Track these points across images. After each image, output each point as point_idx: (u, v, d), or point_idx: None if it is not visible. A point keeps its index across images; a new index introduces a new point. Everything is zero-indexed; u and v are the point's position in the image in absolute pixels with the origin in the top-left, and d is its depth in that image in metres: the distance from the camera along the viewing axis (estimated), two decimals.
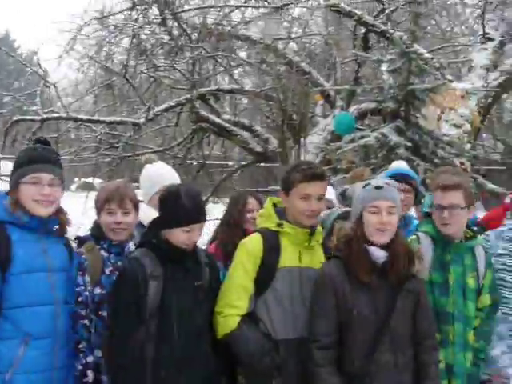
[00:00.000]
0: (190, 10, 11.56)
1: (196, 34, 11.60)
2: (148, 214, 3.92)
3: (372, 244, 3.45)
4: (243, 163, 13.44)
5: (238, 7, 11.81)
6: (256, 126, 12.21)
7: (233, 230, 4.93)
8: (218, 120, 11.89)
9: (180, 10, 11.32)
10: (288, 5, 11.12)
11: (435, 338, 3.66)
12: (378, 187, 3.54)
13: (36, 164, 3.40)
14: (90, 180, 13.27)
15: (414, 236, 4.05)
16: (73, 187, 25.32)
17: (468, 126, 9.20)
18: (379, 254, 3.45)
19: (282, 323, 3.53)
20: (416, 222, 4.81)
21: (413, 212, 5.13)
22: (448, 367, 3.84)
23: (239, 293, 3.54)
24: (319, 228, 3.74)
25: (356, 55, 10.48)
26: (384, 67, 7.91)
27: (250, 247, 3.61)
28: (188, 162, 13.04)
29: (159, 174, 4.57)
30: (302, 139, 10.95)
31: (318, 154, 10.46)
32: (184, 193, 3.53)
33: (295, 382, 3.51)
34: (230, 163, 14.98)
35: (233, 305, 3.53)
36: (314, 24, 15.01)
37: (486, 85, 9.77)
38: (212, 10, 11.86)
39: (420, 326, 3.53)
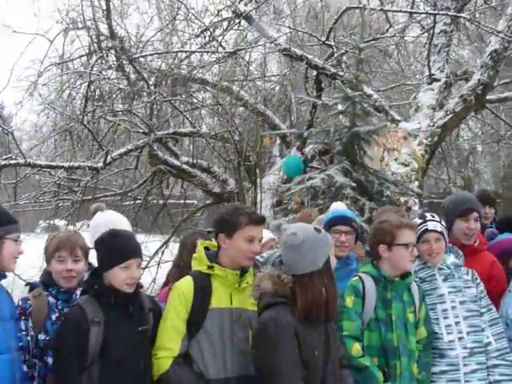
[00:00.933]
0: (146, 55, 11.81)
1: (153, 79, 11.86)
2: None
3: None
4: (203, 204, 13.68)
5: (193, 52, 12.10)
6: (214, 168, 12.47)
7: (183, 272, 4.88)
8: (176, 162, 12.12)
9: (137, 55, 11.57)
10: (241, 50, 11.47)
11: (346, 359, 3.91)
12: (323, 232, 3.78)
13: (16, 224, 3.68)
14: (54, 221, 13.34)
15: (356, 277, 4.26)
16: (38, 229, 25.16)
17: (416, 165, 9.53)
18: None
19: (213, 363, 3.67)
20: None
21: None
22: None
23: (171, 335, 3.69)
24: (250, 270, 3.91)
25: (307, 98, 10.81)
26: (340, 107, 8.15)
27: (181, 290, 3.78)
28: (149, 203, 13.25)
29: (111, 221, 4.73)
30: (258, 179, 11.21)
31: (274, 193, 10.71)
32: (117, 234, 3.77)
33: None
34: (192, 201, 15.23)
35: (165, 347, 3.68)
36: (269, 66, 15.45)
37: (432, 124, 10.15)
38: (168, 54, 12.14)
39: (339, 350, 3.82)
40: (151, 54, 11.81)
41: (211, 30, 12.21)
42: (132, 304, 3.70)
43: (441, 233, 4.59)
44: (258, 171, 11.27)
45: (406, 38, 13.14)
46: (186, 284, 3.80)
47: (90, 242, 4.38)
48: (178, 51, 11.67)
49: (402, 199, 7.86)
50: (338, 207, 5.43)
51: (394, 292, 4.23)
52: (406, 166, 9.46)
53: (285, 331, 3.49)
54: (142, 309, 3.77)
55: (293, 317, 3.54)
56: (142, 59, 11.94)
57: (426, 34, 12.69)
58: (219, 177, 12.24)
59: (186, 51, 11.92)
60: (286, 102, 13.13)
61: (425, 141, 9.90)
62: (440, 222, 4.65)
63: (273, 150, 13.21)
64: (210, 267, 3.80)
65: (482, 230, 5.91)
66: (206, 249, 3.95)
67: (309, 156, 10.88)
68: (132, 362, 3.60)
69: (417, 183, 9.36)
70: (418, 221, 4.68)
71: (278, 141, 12.86)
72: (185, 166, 12.09)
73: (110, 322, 3.58)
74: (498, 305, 4.79)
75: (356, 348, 4.04)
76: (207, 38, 12.54)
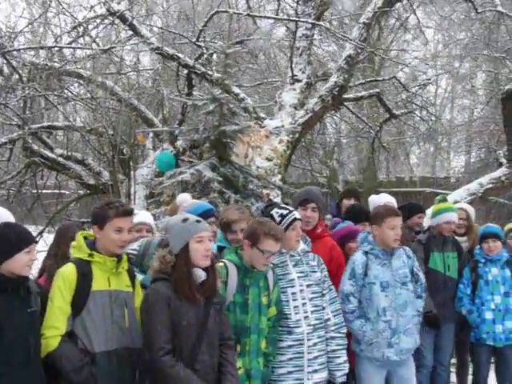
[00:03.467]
0: (20, 49, 11.85)
1: (26, 72, 11.94)
2: None
3: (194, 266, 4.23)
4: (78, 194, 13.95)
5: (67, 48, 12.30)
6: (88, 160, 12.80)
7: (62, 261, 5.09)
8: (51, 155, 12.36)
9: (11, 49, 11.59)
10: (114, 47, 11.83)
11: (232, 340, 4.53)
12: (198, 221, 4.36)
13: None
14: None
15: (221, 263, 4.83)
16: None
17: (278, 160, 10.37)
18: (201, 274, 4.23)
19: (96, 338, 4.18)
20: None
21: None
22: (247, 372, 4.71)
23: (57, 315, 4.15)
24: (125, 256, 4.48)
25: (177, 98, 11.38)
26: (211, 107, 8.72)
27: (66, 275, 4.23)
28: (23, 194, 13.35)
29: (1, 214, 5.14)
30: (132, 172, 11.68)
31: (147, 185, 11.20)
32: (14, 224, 4.28)
33: None
34: (66, 192, 15.41)
35: (53, 326, 4.13)
36: (142, 60, 15.89)
37: (293, 122, 11.00)
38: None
39: (222, 330, 4.39)
40: (25, 49, 11.88)
41: (84, 25, 12.48)
42: (23, 288, 4.11)
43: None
44: (131, 164, 11.73)
45: (271, 41, 13.93)
46: (69, 270, 4.26)
47: None
48: (52, 46, 11.85)
49: (265, 191, 8.64)
50: (185, 198, 6.10)
51: (252, 279, 4.84)
52: (269, 160, 10.27)
53: (160, 301, 4.05)
54: (30, 292, 4.18)
55: (169, 290, 4.11)
56: (15, 52, 11.98)
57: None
58: (94, 169, 12.59)
59: (60, 46, 12.11)
60: (158, 96, 13.59)
61: (287, 138, 10.74)
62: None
63: (146, 142, 13.64)
64: (90, 255, 4.31)
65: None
66: (85, 238, 4.44)
67: (180, 149, 11.48)
68: (24, 341, 4.01)
69: (279, 176, 10.20)
70: (285, 211, 5.30)
71: (151, 134, 13.32)
72: (59, 159, 12.36)
73: (5, 304, 3.98)
74: (338, 282, 5.64)
75: None
76: (80, 33, 12.79)
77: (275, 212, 5.33)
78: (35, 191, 13.44)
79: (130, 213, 4.45)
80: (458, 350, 7.87)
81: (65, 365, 4.10)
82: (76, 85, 13.35)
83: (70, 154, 12.56)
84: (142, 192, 11.35)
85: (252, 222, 5.06)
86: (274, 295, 4.99)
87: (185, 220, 4.33)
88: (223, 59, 8.46)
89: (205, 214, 5.45)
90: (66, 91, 12.82)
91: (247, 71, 16.09)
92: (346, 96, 13.41)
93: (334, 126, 22.50)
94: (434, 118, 17.14)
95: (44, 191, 13.98)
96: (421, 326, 6.39)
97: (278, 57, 16.26)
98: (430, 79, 16.12)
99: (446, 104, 35.72)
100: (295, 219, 5.24)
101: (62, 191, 14.72)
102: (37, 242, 4.27)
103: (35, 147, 12.11)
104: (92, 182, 12.48)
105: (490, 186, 11.78)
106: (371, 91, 14.47)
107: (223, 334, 4.40)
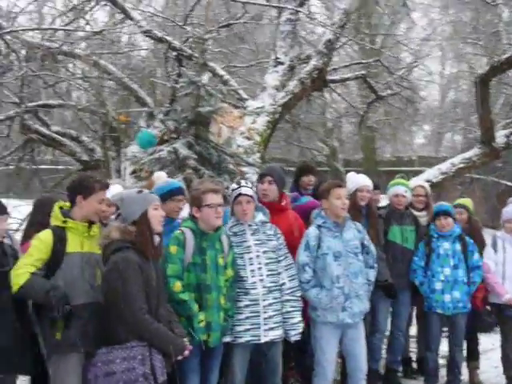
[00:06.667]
0: (17, 30, 12.36)
1: (24, 51, 12.47)
2: None
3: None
4: (71, 169, 14.54)
5: (60, 30, 12.81)
6: (82, 137, 13.40)
7: (42, 229, 5.60)
8: (47, 132, 12.97)
9: (8, 30, 12.10)
10: (104, 30, 12.35)
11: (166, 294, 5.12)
12: (151, 192, 5.02)
13: None
14: None
15: (179, 231, 5.47)
16: None
17: (258, 138, 10.94)
18: (157, 239, 4.84)
19: (70, 294, 4.79)
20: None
21: None
22: (208, 324, 5.32)
23: (29, 262, 4.80)
24: (97, 222, 5.13)
25: (161, 81, 11.90)
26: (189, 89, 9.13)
27: (43, 238, 4.90)
28: (21, 169, 13.98)
29: None
30: (122, 149, 12.26)
31: (132, 162, 11.72)
32: None
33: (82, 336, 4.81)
34: (64, 167, 16.02)
35: (24, 266, 4.78)
36: (139, 41, 16.35)
37: (274, 103, 11.54)
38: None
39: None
40: (23, 30, 12.38)
41: (79, 8, 13.04)
42: None
43: (251, 196, 5.88)
44: (122, 141, 12.31)
45: (259, 23, 14.37)
46: (46, 234, 4.93)
47: None
48: (48, 28, 12.38)
49: (241, 169, 9.19)
50: (160, 176, 6.69)
51: (208, 242, 5.46)
52: (249, 139, 10.84)
53: (132, 266, 4.50)
54: (5, 254, 4.95)
55: (136, 256, 4.56)
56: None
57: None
58: (87, 146, 13.21)
59: (55, 28, 12.63)
60: (151, 76, 14.07)
61: (267, 118, 11.29)
62: (251, 188, 5.93)
63: (139, 120, 14.16)
64: (64, 222, 4.96)
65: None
66: (61, 208, 5.07)
67: (172, 128, 11.99)
68: None
69: (258, 155, 10.76)
70: (235, 186, 5.96)
71: (144, 113, 13.81)
72: (55, 136, 12.96)
73: None
74: None
75: (177, 285, 5.22)
76: (75, 15, 13.33)
77: (232, 185, 6.03)
78: (33, 166, 14.04)
79: (108, 186, 5.16)
80: (418, 319, 8.47)
81: (38, 290, 4.69)
82: (71, 65, 13.87)
83: (65, 131, 13.14)
84: (131, 168, 11.88)
85: (191, 191, 5.67)
86: (230, 258, 5.59)
87: (139, 192, 4.92)
88: (201, 44, 8.97)
89: (175, 191, 6.11)
90: (63, 70, 13.33)
91: (240, 53, 16.54)
92: (332, 78, 13.91)
93: (333, 105, 22.83)
94: (419, 100, 17.56)
95: (42, 167, 14.56)
96: (377, 293, 7.06)
97: (267, 40, 16.69)
98: (416, 61, 16.51)
99: (449, 86, 35.95)
100: (240, 194, 5.84)
101: (60, 167, 15.31)
102: (8, 214, 4.98)
103: (32, 124, 12.68)
104: (85, 158, 13.09)
105: (462, 165, 12.29)
106: (357, 73, 14.92)
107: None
